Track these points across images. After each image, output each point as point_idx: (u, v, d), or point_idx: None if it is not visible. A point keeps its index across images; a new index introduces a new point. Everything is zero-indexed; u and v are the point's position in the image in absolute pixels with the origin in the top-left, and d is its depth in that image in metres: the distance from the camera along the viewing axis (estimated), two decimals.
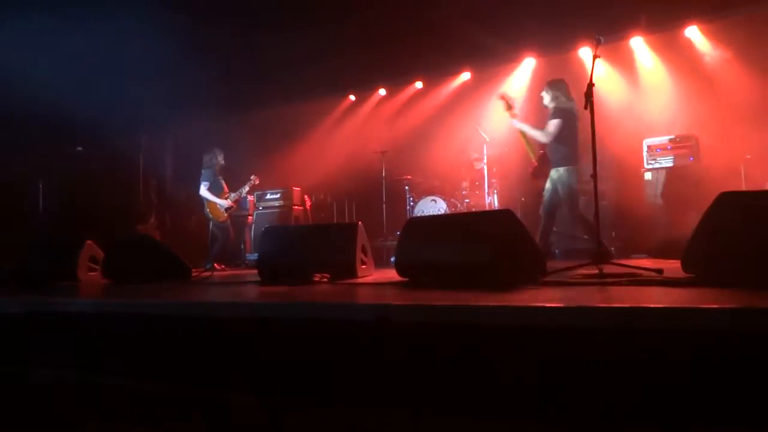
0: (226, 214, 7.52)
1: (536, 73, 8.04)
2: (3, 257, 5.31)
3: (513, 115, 5.64)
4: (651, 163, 6.45)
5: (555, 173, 5.35)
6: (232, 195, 7.60)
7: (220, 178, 7.62)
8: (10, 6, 6.15)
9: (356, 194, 9.15)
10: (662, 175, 6.37)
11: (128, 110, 8.10)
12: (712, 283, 2.47)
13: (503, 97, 5.66)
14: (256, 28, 6.98)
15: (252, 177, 7.80)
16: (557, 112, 5.32)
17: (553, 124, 5.29)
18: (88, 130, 7.49)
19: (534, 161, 5.67)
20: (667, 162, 6.34)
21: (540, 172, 5.58)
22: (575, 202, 5.38)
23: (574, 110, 5.35)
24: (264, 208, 8.88)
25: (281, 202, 8.80)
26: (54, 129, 7.56)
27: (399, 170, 8.34)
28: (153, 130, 10.31)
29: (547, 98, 5.46)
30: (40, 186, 7.18)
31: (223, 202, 7.48)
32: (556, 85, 5.46)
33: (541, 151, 5.57)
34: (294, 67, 7.85)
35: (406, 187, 8.20)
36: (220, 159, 7.61)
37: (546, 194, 5.44)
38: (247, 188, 7.85)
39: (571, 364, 1.78)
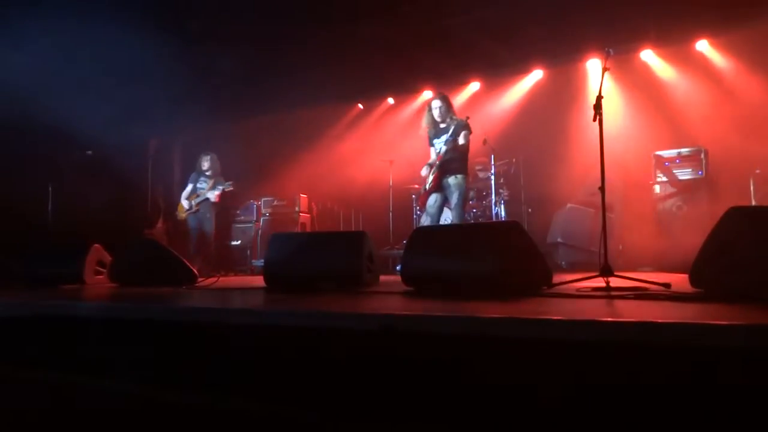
0: (184, 214, 7.99)
1: (541, 85, 8.07)
2: (11, 260, 5.34)
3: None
4: (659, 176, 6.42)
5: (454, 180, 5.66)
6: (191, 201, 7.90)
7: (193, 181, 8.03)
8: (20, 11, 6.22)
9: (363, 202, 9.15)
10: (670, 188, 6.34)
11: (137, 115, 8.17)
12: (720, 299, 2.45)
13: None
14: (265, 35, 7.03)
15: (227, 182, 7.88)
16: (465, 124, 5.67)
17: (466, 136, 5.65)
18: (97, 134, 7.56)
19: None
20: (675, 175, 6.31)
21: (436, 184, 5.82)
22: (465, 207, 5.97)
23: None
24: (271, 214, 8.90)
25: (288, 209, 8.82)
26: (63, 133, 7.62)
27: (406, 179, 8.34)
28: (161, 135, 10.37)
29: (443, 109, 5.75)
30: (50, 189, 7.23)
31: (185, 203, 7.95)
32: (449, 99, 5.86)
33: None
34: (302, 74, 7.89)
35: (413, 196, 8.19)
36: (201, 163, 8.04)
37: (437, 201, 5.81)
38: (216, 192, 7.80)
39: (576, 378, 1.77)
